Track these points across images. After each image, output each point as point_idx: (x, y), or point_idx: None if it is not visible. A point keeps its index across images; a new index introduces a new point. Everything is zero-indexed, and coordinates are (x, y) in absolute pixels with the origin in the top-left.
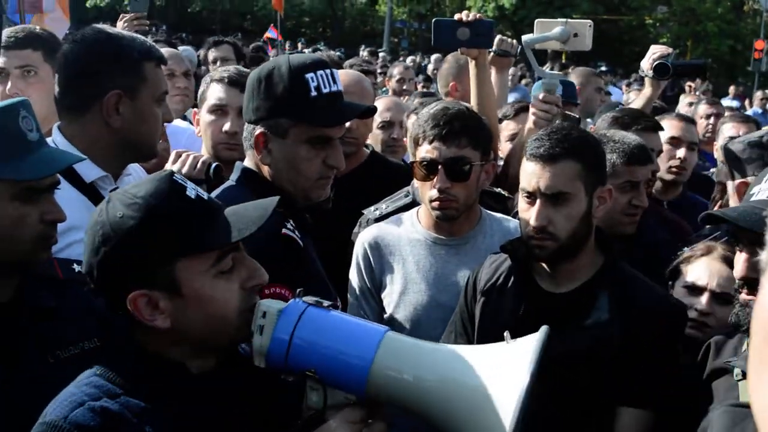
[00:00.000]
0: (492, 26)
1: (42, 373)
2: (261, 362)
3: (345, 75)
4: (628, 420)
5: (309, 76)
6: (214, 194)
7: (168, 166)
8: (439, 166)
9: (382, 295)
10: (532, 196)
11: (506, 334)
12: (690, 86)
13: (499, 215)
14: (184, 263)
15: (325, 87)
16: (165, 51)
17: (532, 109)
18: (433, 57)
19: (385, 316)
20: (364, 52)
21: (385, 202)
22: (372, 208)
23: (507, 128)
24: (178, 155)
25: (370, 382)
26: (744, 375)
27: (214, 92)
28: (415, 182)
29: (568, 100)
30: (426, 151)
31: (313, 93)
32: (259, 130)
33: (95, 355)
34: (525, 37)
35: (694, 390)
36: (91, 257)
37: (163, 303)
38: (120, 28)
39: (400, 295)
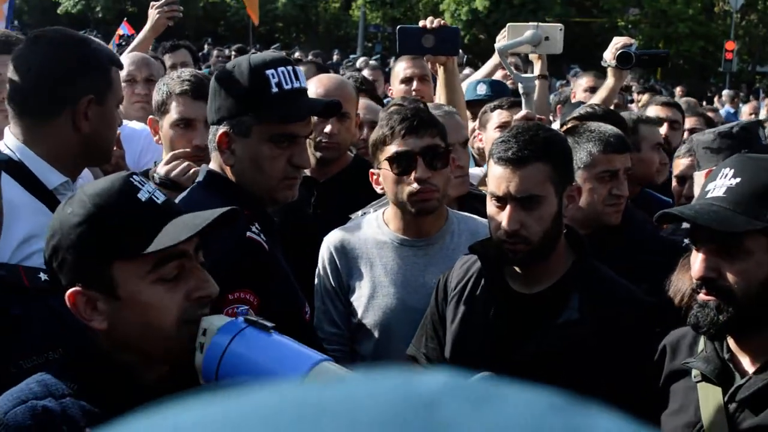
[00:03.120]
0: (457, 32)
1: (4, 384)
2: (201, 379)
3: (327, 79)
4: None
5: (269, 72)
6: (179, 198)
7: (160, 167)
8: (417, 157)
9: (351, 299)
10: (501, 200)
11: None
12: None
13: (465, 214)
14: (121, 265)
15: (286, 83)
16: (125, 57)
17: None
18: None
19: (354, 320)
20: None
21: (373, 206)
22: (359, 212)
23: (499, 117)
24: (175, 158)
25: None
26: (703, 377)
27: (177, 106)
28: (383, 185)
29: (486, 98)
30: (398, 145)
31: (274, 89)
32: (221, 130)
33: None
34: (498, 45)
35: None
36: (44, 251)
37: (100, 304)
38: (152, 16)
39: (369, 299)
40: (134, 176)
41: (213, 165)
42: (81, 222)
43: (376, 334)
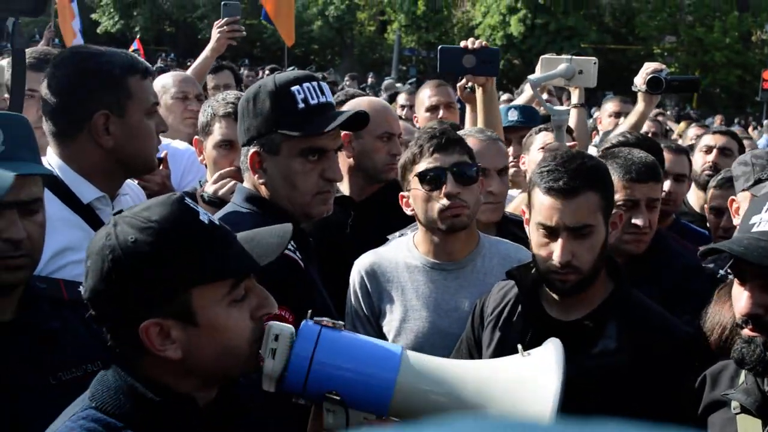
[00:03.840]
0: (498, 54)
1: (43, 395)
2: (271, 387)
3: (377, 103)
4: None
5: (295, 89)
6: (218, 215)
7: (208, 186)
8: (447, 173)
9: (382, 323)
10: (552, 230)
11: (519, 347)
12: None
13: (496, 238)
14: (200, 291)
15: (312, 99)
16: (178, 74)
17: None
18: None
19: None
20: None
21: (410, 228)
22: (397, 233)
23: (544, 138)
24: (221, 177)
25: (394, 400)
26: (742, 408)
27: (220, 128)
28: (413, 206)
29: (528, 125)
30: (428, 163)
31: (301, 105)
32: (252, 150)
33: None
34: (531, 77)
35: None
36: (97, 283)
37: (175, 332)
38: (214, 36)
39: (401, 322)
40: (186, 198)
41: (247, 184)
42: (154, 251)
43: None
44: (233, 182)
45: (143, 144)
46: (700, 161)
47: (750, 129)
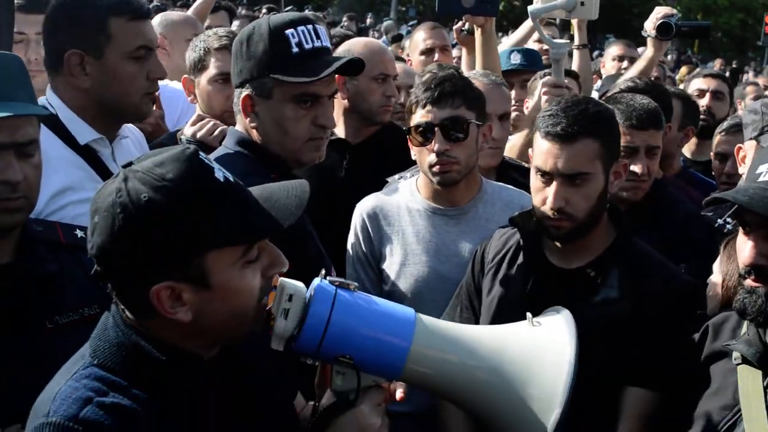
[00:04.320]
0: None
1: (40, 339)
2: (280, 346)
3: (373, 44)
4: (634, 399)
5: (289, 32)
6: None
7: (187, 129)
8: (436, 129)
9: (383, 266)
10: (547, 176)
11: (528, 315)
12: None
13: (500, 184)
14: (216, 254)
15: (307, 43)
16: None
17: (544, 97)
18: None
19: (386, 288)
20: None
21: (410, 171)
22: (396, 176)
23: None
24: (200, 118)
25: (408, 364)
26: (743, 359)
27: (216, 61)
28: (413, 152)
29: (531, 68)
30: (420, 116)
31: (295, 49)
32: (245, 92)
33: (96, 322)
34: (531, 7)
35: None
36: (106, 241)
37: (187, 295)
38: None
39: (401, 266)
40: (200, 153)
41: (239, 128)
42: (171, 211)
43: (407, 302)
44: (212, 123)
45: (123, 88)
46: None
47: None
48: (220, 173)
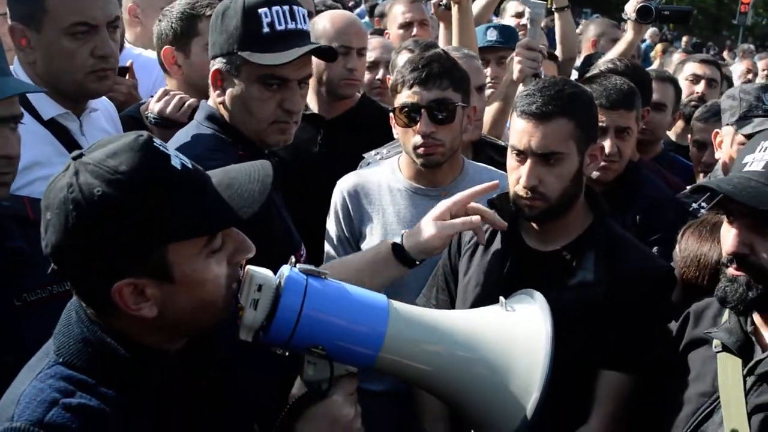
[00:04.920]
0: None
1: (8, 316)
2: (248, 337)
3: (338, 15)
4: (608, 383)
5: (262, 11)
6: (179, 133)
7: (152, 105)
8: (422, 110)
9: (362, 246)
10: (522, 155)
11: (501, 299)
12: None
13: (482, 165)
14: (176, 247)
15: (279, 24)
16: None
17: (516, 58)
18: None
19: None
20: None
21: (387, 147)
22: (373, 152)
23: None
24: (165, 93)
25: (382, 353)
26: (723, 347)
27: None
28: (396, 131)
29: (507, 45)
30: (406, 96)
31: (266, 29)
32: (215, 66)
33: (65, 299)
34: None
35: (674, 356)
36: (60, 239)
37: (150, 290)
38: None
39: None
40: (155, 140)
41: (211, 102)
42: (125, 206)
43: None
44: (178, 97)
45: (63, 65)
46: (685, 91)
47: (725, 52)
48: (176, 160)
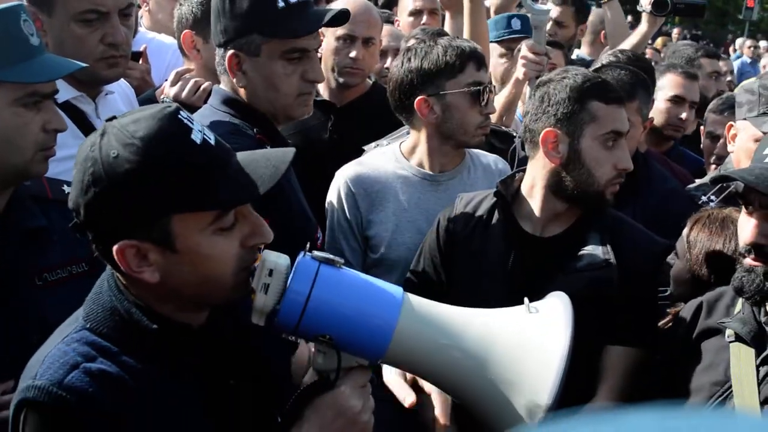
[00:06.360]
0: None
1: (29, 296)
2: (260, 321)
3: (352, 2)
4: (616, 358)
5: None
6: (194, 117)
7: (167, 89)
8: (487, 88)
9: (371, 234)
10: (619, 136)
11: (526, 300)
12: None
13: (476, 150)
14: (182, 218)
15: None
16: None
17: (521, 61)
18: None
19: (375, 255)
20: None
21: (387, 139)
22: (372, 144)
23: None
24: (178, 76)
25: (391, 346)
26: (737, 337)
27: None
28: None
29: (523, 35)
30: (469, 76)
31: (281, 4)
32: (230, 52)
33: (84, 279)
34: None
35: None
36: (78, 195)
37: (153, 256)
38: None
39: (393, 233)
40: (181, 112)
41: (224, 86)
42: (135, 171)
43: (400, 268)
44: (193, 81)
45: (73, 50)
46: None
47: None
48: (198, 135)
